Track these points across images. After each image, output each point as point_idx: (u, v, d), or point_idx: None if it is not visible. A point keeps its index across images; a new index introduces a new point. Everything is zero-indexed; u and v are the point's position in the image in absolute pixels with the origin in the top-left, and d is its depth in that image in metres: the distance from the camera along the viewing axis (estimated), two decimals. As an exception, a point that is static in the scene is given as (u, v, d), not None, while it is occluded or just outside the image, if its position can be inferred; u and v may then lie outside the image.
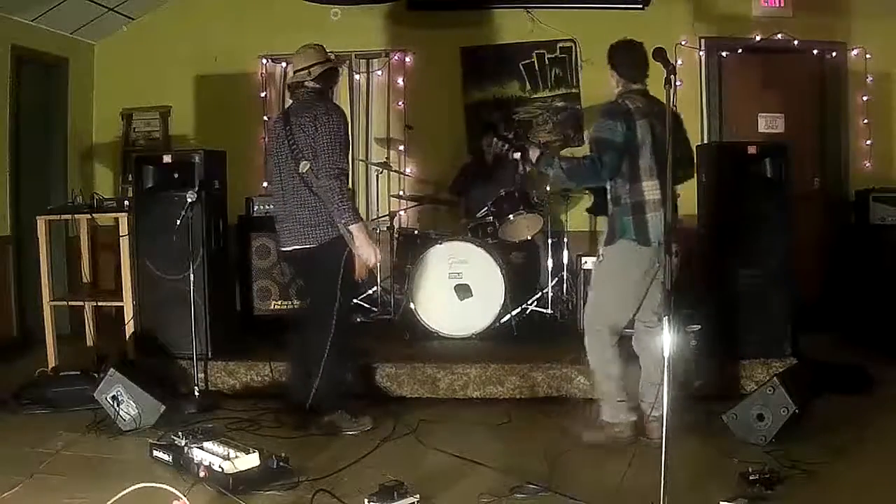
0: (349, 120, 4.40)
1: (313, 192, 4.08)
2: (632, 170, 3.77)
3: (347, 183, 4.13)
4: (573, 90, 6.82)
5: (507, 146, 4.23)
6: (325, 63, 4.22)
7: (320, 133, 4.02)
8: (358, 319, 5.87)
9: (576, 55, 6.77)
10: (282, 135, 4.19)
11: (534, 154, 4.00)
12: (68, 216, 5.39)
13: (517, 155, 4.10)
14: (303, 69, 4.20)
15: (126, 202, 5.31)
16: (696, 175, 5.10)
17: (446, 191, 6.58)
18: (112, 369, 4.29)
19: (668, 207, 3.21)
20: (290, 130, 4.14)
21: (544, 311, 5.79)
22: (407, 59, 6.88)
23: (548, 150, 4.02)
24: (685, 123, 4.08)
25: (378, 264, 4.38)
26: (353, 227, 4.05)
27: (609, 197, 3.93)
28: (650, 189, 3.77)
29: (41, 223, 5.32)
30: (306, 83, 4.18)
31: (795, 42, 6.57)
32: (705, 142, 6.39)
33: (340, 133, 4.05)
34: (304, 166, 4.07)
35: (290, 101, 4.43)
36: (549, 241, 5.87)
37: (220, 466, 3.31)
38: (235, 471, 3.30)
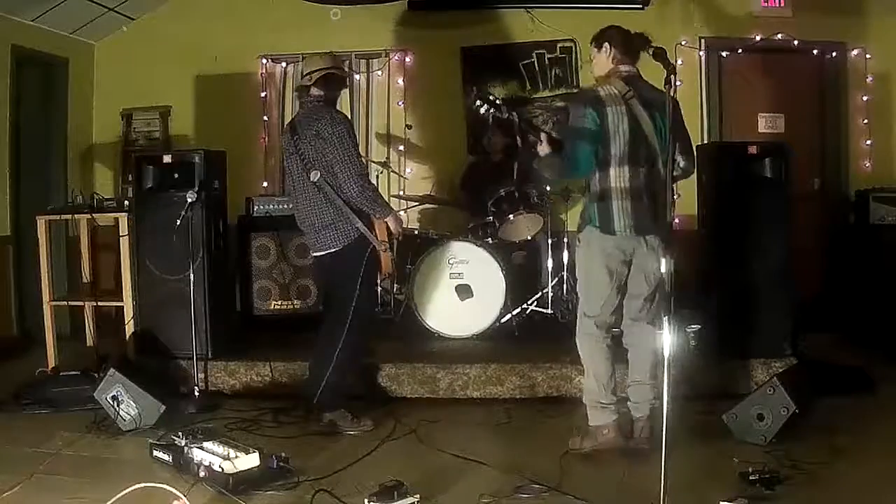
0: (350, 121, 4.49)
1: (330, 201, 4.18)
2: (602, 156, 3.62)
3: (371, 183, 4.32)
4: (573, 90, 6.82)
5: (494, 111, 3.85)
6: (326, 69, 4.30)
7: (329, 147, 4.15)
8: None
9: (576, 55, 6.76)
10: (291, 147, 4.31)
11: (542, 150, 3.74)
12: (68, 216, 5.40)
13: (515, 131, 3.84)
14: (306, 74, 4.34)
15: (126, 202, 5.32)
16: (695, 173, 5.10)
17: (457, 189, 6.56)
18: (112, 369, 4.29)
19: (668, 204, 3.13)
20: (297, 142, 4.26)
21: (544, 311, 5.79)
22: (407, 59, 6.88)
23: (545, 154, 3.73)
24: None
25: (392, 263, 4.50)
26: (388, 219, 4.28)
27: (584, 183, 3.83)
28: (618, 177, 3.62)
29: (41, 223, 5.33)
30: (311, 90, 4.32)
31: (795, 42, 6.57)
32: (705, 142, 6.39)
33: (346, 139, 4.17)
34: (315, 175, 4.18)
35: (298, 110, 4.54)
36: (550, 240, 5.86)
37: (220, 466, 3.31)
38: (235, 471, 3.30)
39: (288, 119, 6.93)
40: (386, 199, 6.67)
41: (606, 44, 3.79)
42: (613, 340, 3.84)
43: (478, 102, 3.92)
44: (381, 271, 4.41)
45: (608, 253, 3.70)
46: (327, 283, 4.60)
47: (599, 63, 3.83)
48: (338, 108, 4.48)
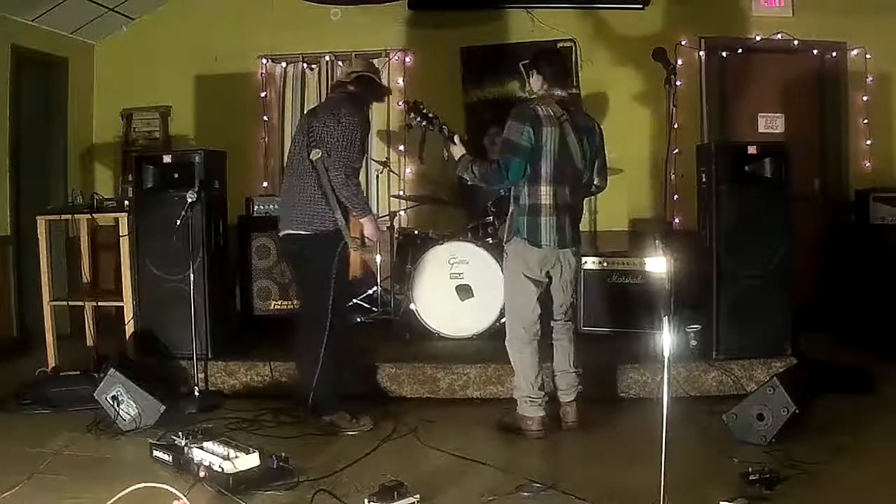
0: (369, 124, 4.55)
1: (320, 183, 4.17)
2: (533, 173, 3.93)
3: (357, 180, 4.28)
4: (573, 90, 6.80)
5: (424, 122, 4.22)
6: (369, 73, 4.42)
7: (338, 130, 4.15)
8: (358, 319, 5.86)
9: (576, 55, 6.75)
10: (304, 126, 4.33)
11: (456, 152, 4.13)
12: (68, 216, 5.39)
13: (440, 131, 4.16)
14: (350, 72, 4.44)
15: (126, 202, 5.32)
16: (695, 173, 5.09)
17: (452, 191, 6.55)
18: (112, 369, 4.28)
19: (666, 210, 3.22)
20: (311, 121, 4.28)
21: (544, 311, 5.78)
22: (407, 59, 6.88)
23: (465, 154, 4.11)
24: (684, 122, 4.07)
25: (378, 262, 4.54)
26: (364, 220, 4.30)
27: (511, 195, 4.08)
28: (547, 194, 3.94)
29: (41, 223, 5.32)
30: (348, 85, 4.38)
31: (795, 42, 6.57)
32: (705, 142, 6.39)
33: (356, 134, 4.18)
34: (315, 154, 4.17)
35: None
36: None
37: (220, 466, 3.31)
38: (235, 471, 3.30)
39: (288, 119, 6.96)
40: (386, 198, 6.77)
41: (534, 71, 4.11)
42: (539, 342, 4.16)
43: (411, 115, 4.26)
44: (349, 270, 4.44)
45: (533, 264, 4.03)
46: (298, 277, 4.56)
47: (534, 86, 4.15)
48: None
